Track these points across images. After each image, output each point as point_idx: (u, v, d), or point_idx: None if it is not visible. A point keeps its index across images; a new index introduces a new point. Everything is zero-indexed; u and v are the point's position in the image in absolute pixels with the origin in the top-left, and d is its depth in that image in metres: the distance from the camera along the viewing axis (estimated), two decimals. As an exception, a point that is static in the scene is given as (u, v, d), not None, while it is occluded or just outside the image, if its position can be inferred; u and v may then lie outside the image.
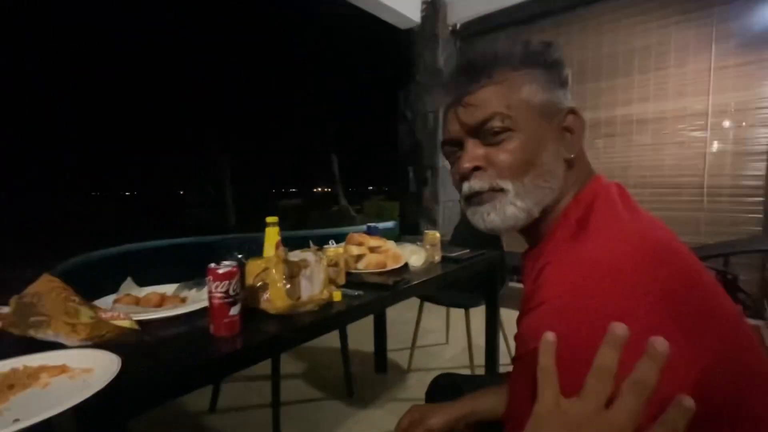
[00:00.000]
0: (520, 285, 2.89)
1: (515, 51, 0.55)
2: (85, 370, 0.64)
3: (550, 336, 0.36)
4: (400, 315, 2.54)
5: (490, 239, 1.90)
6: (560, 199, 0.54)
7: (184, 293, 1.07)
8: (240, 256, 1.43)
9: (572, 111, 0.55)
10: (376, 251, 1.34)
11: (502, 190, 0.53)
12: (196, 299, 1.00)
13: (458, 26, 3.69)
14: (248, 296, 0.89)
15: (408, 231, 3.91)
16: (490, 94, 0.53)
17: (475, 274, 1.69)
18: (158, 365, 0.66)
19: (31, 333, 0.72)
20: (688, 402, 0.29)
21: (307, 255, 0.96)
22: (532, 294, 0.45)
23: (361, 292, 1.06)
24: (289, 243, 1.12)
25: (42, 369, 0.63)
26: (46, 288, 0.77)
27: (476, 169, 0.54)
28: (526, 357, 0.41)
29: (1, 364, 0.64)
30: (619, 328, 0.32)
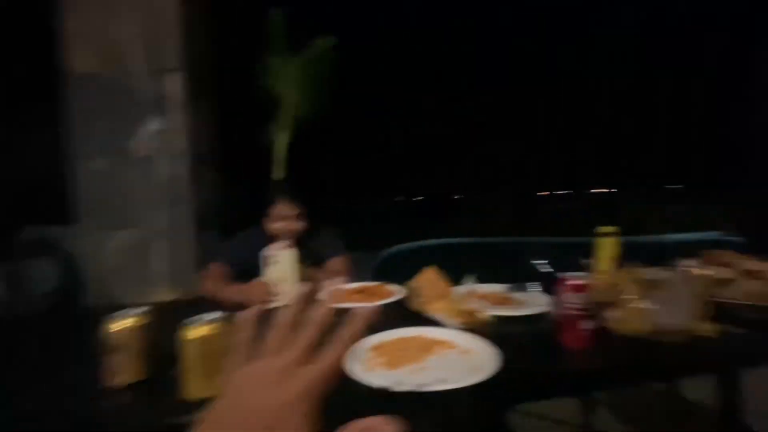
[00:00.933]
0: None
1: None
2: (466, 351, 0.78)
3: None
4: None
5: None
6: None
7: (516, 294, 1.15)
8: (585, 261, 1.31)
9: None
10: (755, 276, 0.99)
11: None
12: (530, 303, 1.06)
13: None
14: (593, 311, 0.85)
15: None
16: None
17: None
18: (525, 363, 0.72)
19: (420, 310, 0.96)
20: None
21: (668, 274, 0.82)
22: None
23: (743, 331, 0.81)
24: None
25: (439, 342, 0.82)
26: (428, 277, 1.00)
27: None
28: None
29: (411, 330, 0.87)
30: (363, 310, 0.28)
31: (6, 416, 0.62)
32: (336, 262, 1.56)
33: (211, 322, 0.63)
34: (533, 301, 1.07)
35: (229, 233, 1.63)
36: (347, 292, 1.21)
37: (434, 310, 0.92)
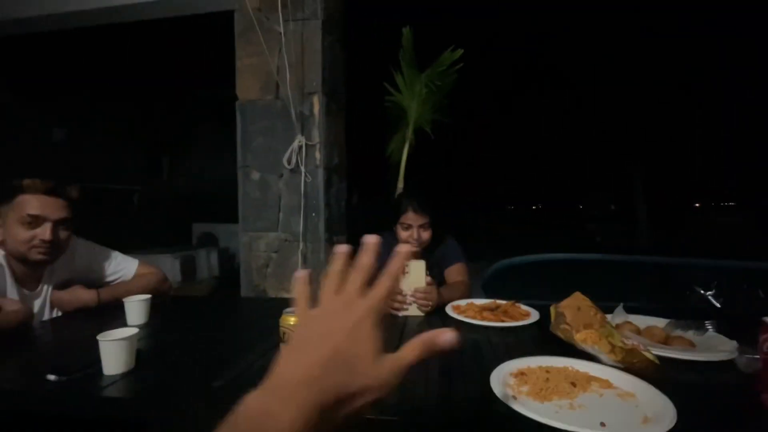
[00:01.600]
0: None
1: None
2: (628, 394, 0.69)
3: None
4: None
5: None
6: None
7: (678, 333, 0.98)
8: None
9: None
10: None
11: None
12: (703, 346, 0.89)
13: None
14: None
15: None
16: None
17: None
18: (717, 422, 0.61)
19: (565, 338, 0.89)
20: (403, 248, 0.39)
21: None
22: None
23: None
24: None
25: (591, 378, 0.74)
26: (573, 303, 0.92)
27: None
28: None
29: (557, 360, 0.81)
30: (369, 238, 0.39)
31: (205, 392, 0.74)
32: (456, 271, 1.56)
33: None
34: (708, 344, 0.90)
35: (358, 241, 1.73)
36: (477, 309, 1.19)
37: (583, 340, 0.84)
